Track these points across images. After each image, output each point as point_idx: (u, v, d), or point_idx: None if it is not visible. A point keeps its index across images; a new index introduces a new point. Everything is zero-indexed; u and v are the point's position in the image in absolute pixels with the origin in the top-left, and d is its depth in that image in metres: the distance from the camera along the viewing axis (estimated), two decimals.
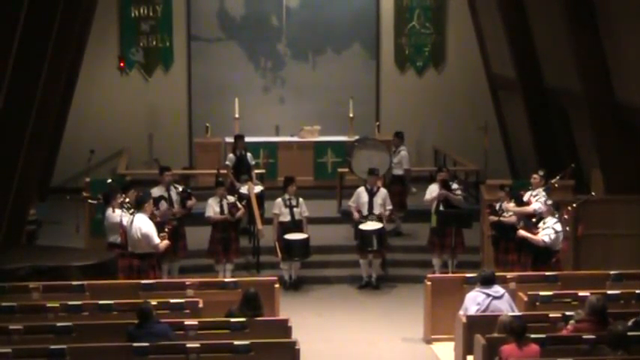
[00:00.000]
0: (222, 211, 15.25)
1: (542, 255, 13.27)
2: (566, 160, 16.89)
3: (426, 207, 15.71)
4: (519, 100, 18.84)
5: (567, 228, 13.63)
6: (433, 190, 15.35)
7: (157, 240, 12.92)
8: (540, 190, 14.36)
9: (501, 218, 14.29)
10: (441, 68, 21.79)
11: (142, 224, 12.89)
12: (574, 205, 14.17)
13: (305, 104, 21.37)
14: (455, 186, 15.52)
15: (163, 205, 14.62)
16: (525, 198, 14.36)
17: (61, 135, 19.88)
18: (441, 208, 15.21)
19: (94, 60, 20.57)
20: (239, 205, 15.43)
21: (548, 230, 13.18)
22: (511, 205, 14.18)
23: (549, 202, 13.62)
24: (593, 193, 15.02)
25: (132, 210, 13.31)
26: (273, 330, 10.94)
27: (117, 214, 13.63)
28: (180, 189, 15.38)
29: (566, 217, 13.55)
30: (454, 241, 14.99)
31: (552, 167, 15.57)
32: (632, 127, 15.04)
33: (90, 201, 15.76)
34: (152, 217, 13.25)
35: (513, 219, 14.10)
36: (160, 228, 13.15)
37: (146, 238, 12.88)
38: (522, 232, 13.52)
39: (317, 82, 21.48)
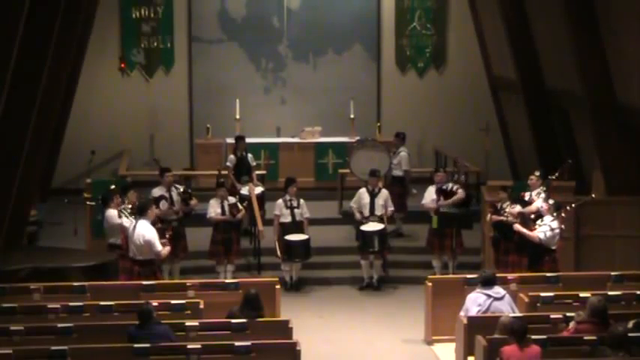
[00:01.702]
0: (223, 212, 15.26)
1: (537, 253, 13.29)
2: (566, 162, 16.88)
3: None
4: (520, 101, 18.82)
5: (563, 226, 13.61)
6: (432, 193, 15.37)
7: (159, 247, 12.84)
8: (540, 189, 14.34)
9: (503, 217, 14.25)
10: (442, 69, 21.77)
11: (145, 231, 12.82)
12: (573, 205, 14.16)
13: (306, 105, 21.35)
14: (450, 184, 15.51)
15: (164, 204, 14.62)
16: (527, 198, 14.35)
17: (62, 136, 19.86)
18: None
19: (95, 61, 20.55)
20: (240, 206, 15.43)
21: (545, 228, 13.20)
22: (516, 209, 14.12)
23: (551, 201, 13.63)
24: (593, 195, 15.01)
25: (134, 216, 13.26)
26: (274, 331, 10.94)
27: (116, 215, 13.62)
28: (182, 189, 15.37)
29: (563, 215, 13.53)
30: (454, 242, 14.99)
31: (553, 168, 15.52)
32: (633, 129, 15.03)
33: (88, 202, 15.75)
34: (154, 222, 13.19)
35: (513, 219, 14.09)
36: (161, 234, 13.11)
37: (149, 244, 12.81)
38: (519, 227, 13.54)
39: (318, 83, 21.46)
